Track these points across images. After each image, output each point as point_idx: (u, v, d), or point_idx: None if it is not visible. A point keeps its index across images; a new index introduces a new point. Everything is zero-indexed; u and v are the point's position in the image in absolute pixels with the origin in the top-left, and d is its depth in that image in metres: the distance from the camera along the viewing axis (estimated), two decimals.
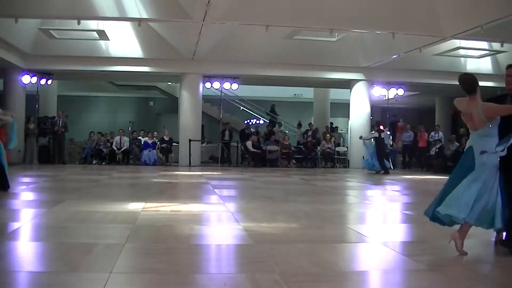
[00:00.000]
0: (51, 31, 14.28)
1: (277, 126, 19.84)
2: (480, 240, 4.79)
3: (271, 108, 21.66)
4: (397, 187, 10.66)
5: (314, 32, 13.82)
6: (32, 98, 16.93)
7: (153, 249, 3.94)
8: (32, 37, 14.69)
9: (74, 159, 17.43)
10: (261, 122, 23.75)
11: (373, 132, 15.06)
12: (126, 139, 17.06)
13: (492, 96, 4.70)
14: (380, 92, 17.75)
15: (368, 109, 17.68)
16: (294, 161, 17.79)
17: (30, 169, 13.57)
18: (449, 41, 13.25)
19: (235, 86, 17.13)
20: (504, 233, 4.13)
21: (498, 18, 10.18)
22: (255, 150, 17.13)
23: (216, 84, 16.96)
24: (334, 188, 10.22)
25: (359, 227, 5.26)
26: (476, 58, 16.79)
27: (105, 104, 25.01)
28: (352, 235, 4.78)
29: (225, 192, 8.60)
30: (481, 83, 15.00)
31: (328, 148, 17.72)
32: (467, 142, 4.32)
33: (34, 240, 4.40)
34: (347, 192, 9.70)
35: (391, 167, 17.40)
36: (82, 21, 11.63)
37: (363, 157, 17.27)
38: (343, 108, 21.16)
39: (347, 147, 18.47)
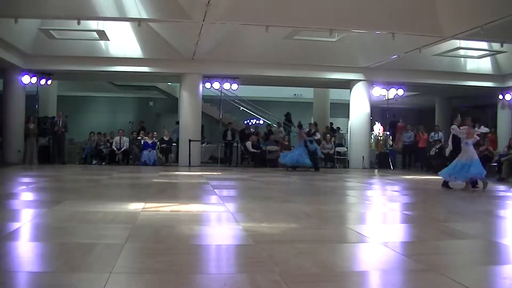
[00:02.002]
0: (51, 31, 14.28)
1: (276, 126, 19.86)
2: (481, 240, 4.80)
3: (286, 117, 21.47)
4: (397, 187, 10.67)
5: (314, 32, 13.82)
6: (32, 98, 16.92)
7: (153, 249, 3.94)
8: (32, 37, 14.69)
9: (74, 159, 17.41)
10: (261, 122, 23.75)
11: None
12: (126, 139, 17.05)
13: None
14: (380, 92, 17.75)
15: (368, 109, 17.68)
16: None
17: (30, 169, 13.56)
18: (449, 41, 13.25)
19: (235, 86, 17.13)
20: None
21: (498, 18, 10.18)
22: (255, 151, 17.14)
23: (216, 84, 16.96)
24: (334, 188, 10.22)
25: (359, 227, 5.26)
26: (476, 58, 16.80)
27: (105, 104, 24.99)
28: (352, 235, 4.78)
29: (225, 192, 8.60)
30: (481, 83, 15.45)
31: (328, 148, 17.71)
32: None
33: (34, 240, 4.40)
34: (347, 192, 9.71)
35: (391, 167, 17.43)
36: (82, 21, 11.61)
37: (363, 157, 17.31)
38: (343, 108, 21.15)
39: (347, 147, 18.48)
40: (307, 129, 15.87)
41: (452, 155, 10.11)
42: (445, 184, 9.70)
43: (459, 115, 10.45)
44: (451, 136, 10.57)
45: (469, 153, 9.32)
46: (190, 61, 16.23)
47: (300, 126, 15.73)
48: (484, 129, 10.14)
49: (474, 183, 9.68)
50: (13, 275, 3.16)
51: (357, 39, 15.03)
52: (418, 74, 17.26)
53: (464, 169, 9.21)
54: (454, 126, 9.90)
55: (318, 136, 15.80)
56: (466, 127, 9.56)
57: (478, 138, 10.12)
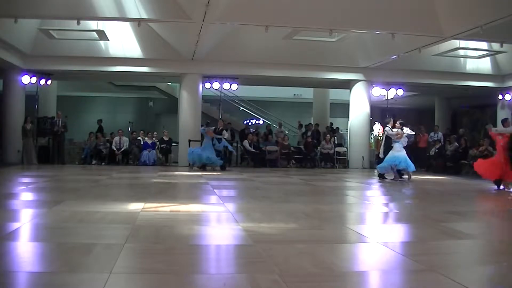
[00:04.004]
0: (50, 31, 14.29)
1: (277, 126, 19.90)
2: (481, 240, 4.80)
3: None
4: (396, 187, 10.66)
5: (313, 32, 13.82)
6: (32, 98, 16.92)
7: (152, 249, 3.94)
8: (32, 37, 14.70)
9: (74, 160, 17.42)
10: (261, 122, 23.77)
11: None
12: (125, 139, 17.06)
13: None
14: (379, 92, 17.75)
15: (367, 110, 17.69)
16: (293, 161, 17.79)
17: (30, 169, 13.56)
18: (449, 41, 13.26)
19: (234, 86, 17.12)
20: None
21: (498, 18, 10.19)
22: (253, 150, 17.14)
23: (216, 85, 16.95)
24: (334, 188, 10.22)
25: (358, 227, 5.26)
26: (475, 58, 16.80)
27: (104, 105, 25.00)
28: (351, 235, 4.78)
29: (225, 192, 8.59)
30: (480, 83, 15.63)
31: (328, 148, 17.72)
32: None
33: (34, 240, 4.39)
34: (347, 192, 9.70)
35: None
36: (81, 21, 11.62)
37: (363, 157, 17.31)
38: (342, 108, 21.17)
39: (346, 148, 18.48)
40: (213, 127, 14.96)
41: (386, 152, 12.00)
42: (382, 176, 11.96)
43: (391, 118, 12.62)
44: (384, 136, 12.37)
45: (398, 149, 11.64)
46: (190, 61, 16.24)
47: (207, 123, 15.13)
48: (410, 132, 12.33)
49: (401, 174, 11.95)
50: (13, 275, 3.15)
51: (357, 39, 15.04)
52: (418, 74, 17.26)
53: (397, 160, 11.56)
54: (387, 128, 12.09)
55: (226, 135, 15.20)
56: (397, 129, 11.78)
57: (407, 138, 12.18)
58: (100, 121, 19.39)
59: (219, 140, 14.60)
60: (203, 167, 14.51)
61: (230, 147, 15.03)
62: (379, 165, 12.08)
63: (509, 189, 9.71)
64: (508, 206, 7.95)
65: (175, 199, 7.49)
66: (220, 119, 16.53)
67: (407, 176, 11.94)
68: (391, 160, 11.70)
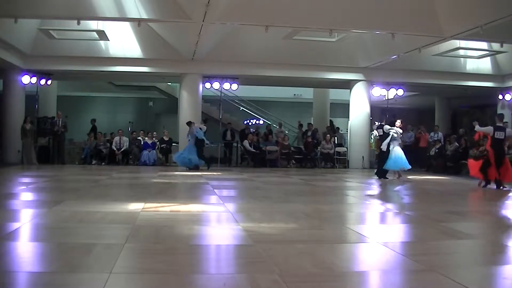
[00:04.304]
0: (50, 31, 14.29)
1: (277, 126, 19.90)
2: (481, 240, 4.80)
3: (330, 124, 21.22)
4: (397, 187, 10.66)
5: (313, 32, 13.82)
6: (32, 98, 16.92)
7: (152, 249, 3.94)
8: (32, 37, 14.69)
9: (74, 160, 17.42)
10: (261, 122, 23.75)
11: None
12: (125, 139, 17.06)
13: None
14: (379, 92, 17.74)
15: (367, 110, 17.69)
16: (293, 161, 17.79)
17: (30, 169, 13.56)
18: (449, 41, 13.26)
19: (234, 86, 17.11)
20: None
21: (498, 18, 10.19)
22: (253, 150, 17.13)
23: (216, 85, 16.94)
24: (334, 188, 10.22)
25: (358, 227, 5.27)
26: (475, 58, 16.80)
27: (104, 105, 24.99)
28: (351, 235, 4.78)
29: (225, 192, 8.59)
30: (480, 84, 15.62)
31: (328, 148, 17.71)
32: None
33: (34, 240, 4.40)
34: (347, 192, 9.71)
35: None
36: (82, 21, 11.62)
37: (363, 157, 17.29)
38: (342, 108, 21.15)
39: (346, 148, 18.47)
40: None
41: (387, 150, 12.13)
42: (383, 175, 12.11)
43: (385, 120, 13.39)
44: (391, 135, 12.28)
45: (398, 148, 12.00)
46: (190, 61, 16.23)
47: (189, 123, 15.07)
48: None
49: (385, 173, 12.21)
50: (13, 275, 3.16)
51: (357, 39, 15.04)
52: (418, 74, 17.26)
53: (402, 159, 11.89)
54: (388, 127, 12.33)
55: (204, 128, 15.06)
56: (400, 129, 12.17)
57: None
58: (93, 120, 19.42)
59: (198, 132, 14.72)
60: (196, 168, 14.48)
61: (202, 135, 14.86)
62: (386, 166, 12.05)
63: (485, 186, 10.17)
64: (508, 206, 7.95)
65: (175, 199, 7.49)
66: (202, 118, 16.52)
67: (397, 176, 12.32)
68: (400, 162, 11.94)
